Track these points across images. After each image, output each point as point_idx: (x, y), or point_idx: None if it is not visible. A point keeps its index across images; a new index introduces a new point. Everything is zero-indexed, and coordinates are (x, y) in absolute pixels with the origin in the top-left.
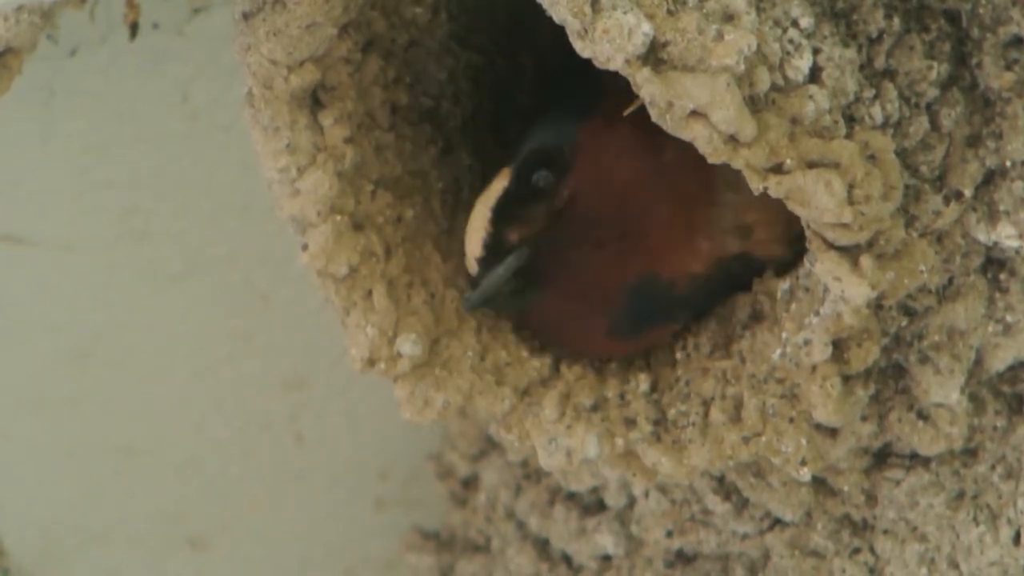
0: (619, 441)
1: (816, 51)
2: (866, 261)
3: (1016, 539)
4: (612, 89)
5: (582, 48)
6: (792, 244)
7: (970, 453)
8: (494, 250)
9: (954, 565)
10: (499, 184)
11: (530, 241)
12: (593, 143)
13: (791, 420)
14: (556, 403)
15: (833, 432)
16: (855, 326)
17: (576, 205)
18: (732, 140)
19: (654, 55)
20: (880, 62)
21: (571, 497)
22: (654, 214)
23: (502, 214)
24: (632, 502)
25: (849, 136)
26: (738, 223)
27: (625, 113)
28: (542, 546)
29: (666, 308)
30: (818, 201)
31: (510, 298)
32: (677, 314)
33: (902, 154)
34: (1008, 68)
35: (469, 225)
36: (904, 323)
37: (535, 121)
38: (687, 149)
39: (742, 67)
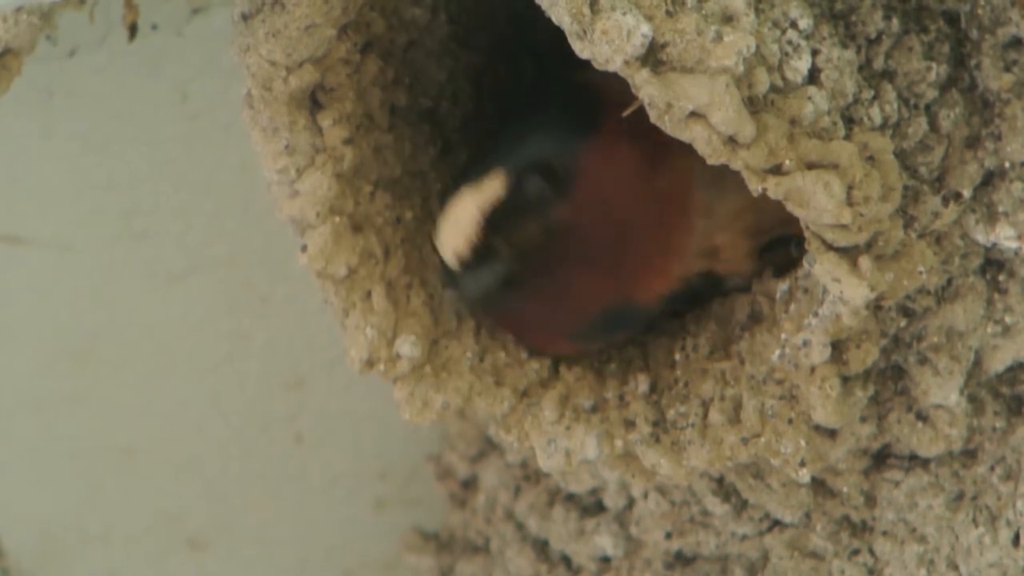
0: (618, 442)
1: (815, 52)
2: (865, 262)
3: (1015, 540)
4: (610, 97)
5: (581, 49)
6: (754, 260)
7: (969, 454)
8: (482, 255)
9: (953, 566)
10: (492, 186)
11: (519, 251)
12: (596, 165)
13: (790, 421)
14: (555, 404)
15: (832, 433)
16: (854, 327)
17: (574, 226)
18: (731, 141)
19: (653, 56)
20: (879, 63)
21: (570, 498)
22: (641, 239)
23: (493, 219)
24: (631, 503)
25: (848, 137)
26: (707, 246)
27: (624, 114)
28: (541, 547)
29: (630, 322)
30: (817, 202)
31: (486, 300)
32: (638, 325)
33: (901, 155)
34: (1007, 69)
35: (450, 215)
36: (903, 324)
37: (527, 119)
38: (674, 174)
39: (741, 68)
